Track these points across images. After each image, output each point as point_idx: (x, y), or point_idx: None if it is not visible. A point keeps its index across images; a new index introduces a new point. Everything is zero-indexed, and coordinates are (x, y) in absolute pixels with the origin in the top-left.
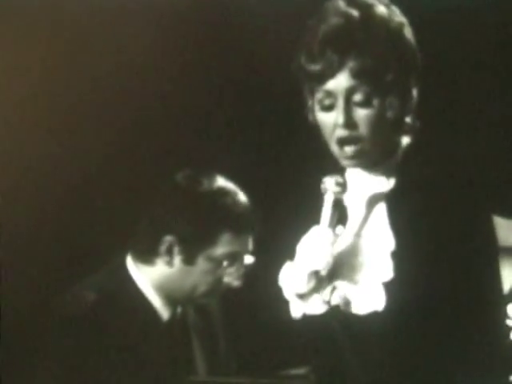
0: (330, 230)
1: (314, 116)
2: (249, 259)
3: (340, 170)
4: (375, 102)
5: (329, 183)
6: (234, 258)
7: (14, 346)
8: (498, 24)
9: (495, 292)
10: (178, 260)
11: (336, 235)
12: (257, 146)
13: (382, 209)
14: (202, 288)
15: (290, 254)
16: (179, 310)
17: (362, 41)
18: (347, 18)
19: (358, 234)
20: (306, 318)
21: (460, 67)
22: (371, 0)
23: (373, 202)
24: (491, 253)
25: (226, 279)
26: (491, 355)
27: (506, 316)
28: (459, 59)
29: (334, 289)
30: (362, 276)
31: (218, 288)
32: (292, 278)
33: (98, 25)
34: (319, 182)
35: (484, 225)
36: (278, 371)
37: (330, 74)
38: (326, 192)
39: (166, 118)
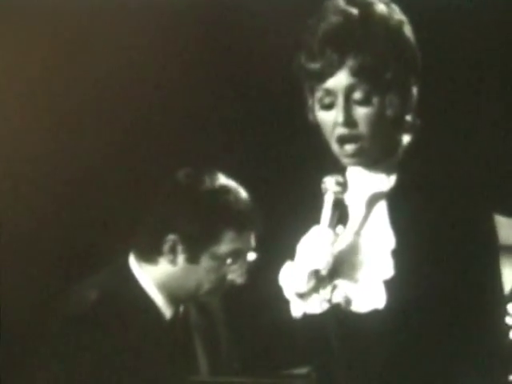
0: (330, 230)
1: (314, 115)
2: (251, 256)
3: (340, 170)
4: (375, 100)
5: (329, 183)
6: (238, 255)
7: (14, 345)
8: (497, 22)
9: (495, 291)
10: (181, 259)
11: (336, 235)
12: (257, 146)
13: (382, 207)
14: (206, 286)
15: (290, 254)
16: (181, 308)
17: (361, 39)
18: (347, 16)
19: (358, 233)
20: (307, 318)
21: (460, 65)
22: None
23: (373, 200)
24: (492, 252)
25: (230, 276)
26: (491, 354)
27: (506, 315)
28: (459, 57)
29: (334, 287)
30: (362, 274)
31: (221, 286)
32: (292, 278)
33: (98, 24)
34: (319, 181)
35: (485, 223)
36: (279, 371)
37: (330, 72)
38: (326, 192)
39: (166, 117)
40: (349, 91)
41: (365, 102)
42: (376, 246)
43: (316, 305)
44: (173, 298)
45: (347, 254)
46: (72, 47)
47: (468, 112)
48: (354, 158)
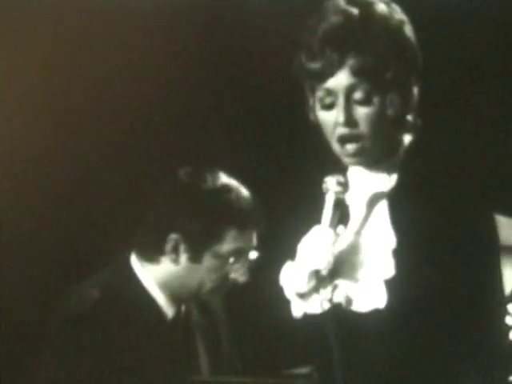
0: (331, 230)
1: (314, 115)
2: (253, 255)
3: (342, 170)
4: (375, 99)
5: (330, 183)
6: (240, 254)
7: (14, 345)
8: (498, 22)
9: (496, 291)
10: (184, 258)
11: (337, 235)
12: (258, 146)
13: (383, 207)
14: (209, 285)
15: (291, 254)
16: (183, 308)
17: (361, 39)
18: (347, 16)
19: (359, 233)
20: (308, 318)
21: (461, 65)
22: None
23: (374, 200)
24: (492, 252)
25: (232, 275)
26: (491, 355)
27: (506, 315)
28: (460, 57)
29: (335, 287)
30: (363, 274)
31: (223, 284)
32: (293, 278)
33: (98, 24)
34: (320, 181)
35: (485, 223)
36: (281, 371)
37: (330, 72)
38: (327, 192)
39: (167, 117)
40: (349, 91)
41: (365, 101)
42: (377, 245)
43: (317, 305)
44: (175, 297)
45: (348, 254)
46: (72, 47)
47: (469, 112)
48: (356, 158)
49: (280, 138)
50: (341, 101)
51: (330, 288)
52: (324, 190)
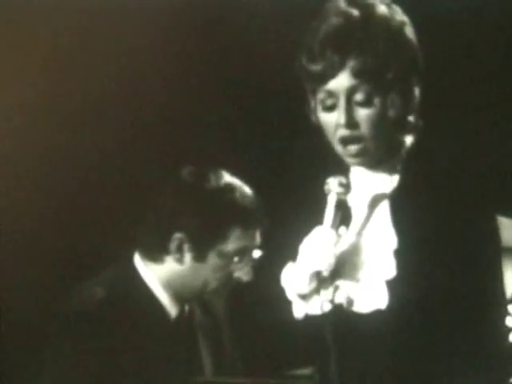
0: (332, 231)
1: (316, 116)
2: (257, 253)
3: (344, 171)
4: (376, 101)
5: (332, 184)
6: (244, 252)
7: (17, 345)
8: (499, 23)
9: (497, 292)
10: (188, 257)
11: (339, 236)
12: (260, 147)
13: (385, 208)
14: (213, 284)
15: (292, 255)
16: (186, 308)
17: (362, 40)
18: (347, 17)
19: (360, 233)
20: (310, 318)
21: (462, 66)
22: (372, 0)
23: (376, 201)
24: (494, 253)
25: (236, 274)
26: (492, 356)
27: (507, 317)
28: (461, 57)
29: (336, 288)
30: (364, 274)
31: (228, 283)
32: (294, 279)
33: (98, 24)
34: (323, 182)
35: (487, 224)
36: (283, 371)
37: (331, 74)
38: (329, 193)
39: (171, 117)
40: (350, 93)
41: (366, 103)
42: (378, 246)
43: (318, 306)
44: (178, 296)
45: (349, 255)
46: (72, 47)
47: (470, 112)
48: (358, 158)
49: (282, 138)
50: (342, 102)
51: (331, 289)
52: (326, 191)
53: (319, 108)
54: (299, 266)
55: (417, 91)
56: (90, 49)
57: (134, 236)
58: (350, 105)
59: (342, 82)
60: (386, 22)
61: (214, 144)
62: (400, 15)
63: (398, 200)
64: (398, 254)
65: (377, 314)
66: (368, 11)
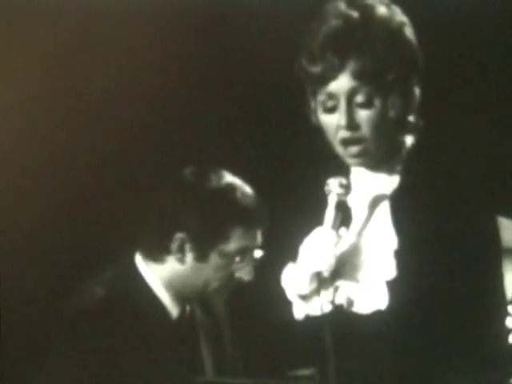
0: (333, 232)
1: (316, 118)
2: (258, 253)
3: (344, 172)
4: (377, 102)
5: (332, 185)
6: (246, 252)
7: (18, 345)
8: (498, 23)
9: (497, 293)
10: (190, 257)
11: (339, 236)
12: (260, 148)
13: (385, 208)
14: (215, 284)
15: (293, 256)
16: (188, 308)
17: (362, 42)
18: (347, 19)
19: (361, 234)
20: (310, 319)
21: (462, 66)
22: (371, 1)
23: (376, 202)
24: (494, 254)
25: (238, 274)
26: (492, 357)
27: (507, 317)
28: (461, 57)
29: (336, 289)
30: (364, 275)
31: (229, 283)
32: (295, 280)
33: (98, 24)
34: (323, 183)
35: (488, 225)
36: (283, 372)
37: (332, 76)
38: (329, 193)
39: (173, 117)
40: (351, 94)
41: (367, 104)
42: (378, 246)
43: (319, 306)
44: (179, 296)
45: (350, 255)
46: (72, 47)
47: (471, 113)
48: (359, 159)
49: (282, 139)
50: (342, 104)
51: (331, 289)
52: (326, 192)
53: (319, 109)
54: (299, 267)
55: (417, 91)
56: (90, 49)
57: (136, 236)
58: (350, 106)
59: (342, 83)
60: (385, 23)
61: (215, 144)
62: (399, 16)
63: (398, 200)
64: (399, 254)
65: (377, 314)
66: (367, 13)
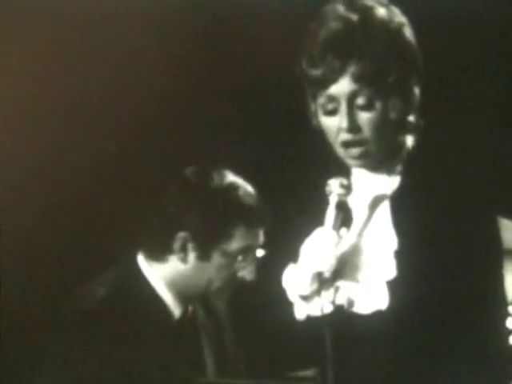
0: (333, 232)
1: (317, 120)
2: (260, 253)
3: (345, 173)
4: (378, 104)
5: (333, 185)
6: (248, 251)
7: (20, 344)
8: (498, 23)
9: (498, 294)
10: (192, 256)
11: (340, 237)
12: (261, 148)
13: (385, 208)
14: (217, 283)
15: (294, 256)
16: (190, 308)
17: (362, 45)
18: (346, 22)
19: (361, 235)
20: (311, 320)
21: (462, 66)
22: (370, 2)
23: (377, 202)
24: (495, 254)
25: (240, 273)
26: (492, 358)
27: (507, 318)
28: (461, 58)
29: (337, 289)
30: (365, 275)
31: (231, 283)
32: (295, 280)
33: (98, 24)
34: (324, 183)
35: (488, 226)
36: (285, 373)
37: (332, 78)
38: (330, 194)
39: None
40: (352, 97)
41: (368, 106)
42: (379, 247)
43: (319, 307)
44: (182, 296)
45: (350, 256)
46: (72, 47)
47: (471, 113)
48: (360, 160)
49: (283, 139)
50: (343, 107)
51: (332, 290)
52: (327, 193)
53: (320, 112)
54: (300, 267)
55: (417, 91)
56: (90, 49)
57: (138, 235)
58: (351, 109)
59: (342, 86)
60: (384, 25)
61: (217, 144)
62: (399, 16)
63: (398, 201)
64: (399, 254)
65: (377, 314)
66: (366, 15)
